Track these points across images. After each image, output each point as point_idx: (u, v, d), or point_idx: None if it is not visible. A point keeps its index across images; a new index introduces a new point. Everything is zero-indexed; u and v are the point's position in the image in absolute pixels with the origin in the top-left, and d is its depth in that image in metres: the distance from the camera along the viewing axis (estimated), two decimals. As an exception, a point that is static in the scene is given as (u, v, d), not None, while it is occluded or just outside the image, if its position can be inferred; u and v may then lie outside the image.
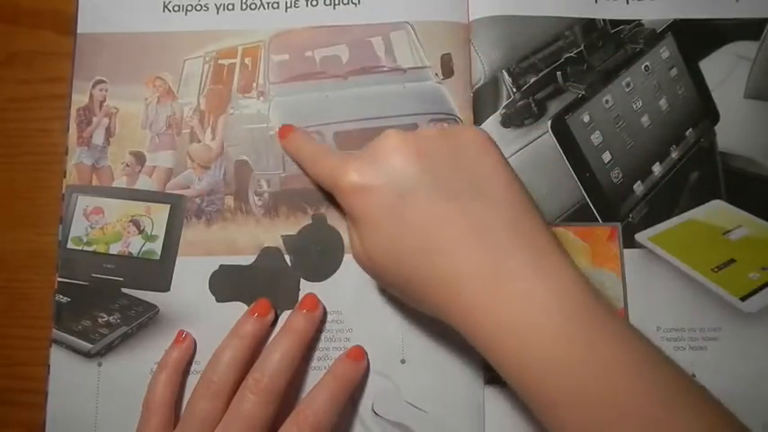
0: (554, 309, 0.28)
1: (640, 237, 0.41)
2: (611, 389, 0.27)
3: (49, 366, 0.39)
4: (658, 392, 0.27)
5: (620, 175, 0.42)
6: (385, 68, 0.43)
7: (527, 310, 0.28)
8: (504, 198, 0.31)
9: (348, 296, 0.40)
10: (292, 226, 0.41)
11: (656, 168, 0.42)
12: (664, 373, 0.28)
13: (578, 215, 0.41)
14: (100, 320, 0.39)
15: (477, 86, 0.42)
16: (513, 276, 0.29)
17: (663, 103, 0.43)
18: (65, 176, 0.41)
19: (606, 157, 0.42)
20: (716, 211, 0.41)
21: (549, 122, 0.42)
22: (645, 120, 0.43)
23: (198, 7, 0.44)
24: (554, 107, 0.42)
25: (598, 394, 0.27)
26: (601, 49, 0.43)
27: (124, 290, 0.40)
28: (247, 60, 0.43)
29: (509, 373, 0.29)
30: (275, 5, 0.44)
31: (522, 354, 0.28)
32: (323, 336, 0.39)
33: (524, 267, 0.29)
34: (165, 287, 0.40)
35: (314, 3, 0.44)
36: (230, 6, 0.44)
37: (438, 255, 0.30)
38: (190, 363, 0.39)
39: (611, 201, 0.41)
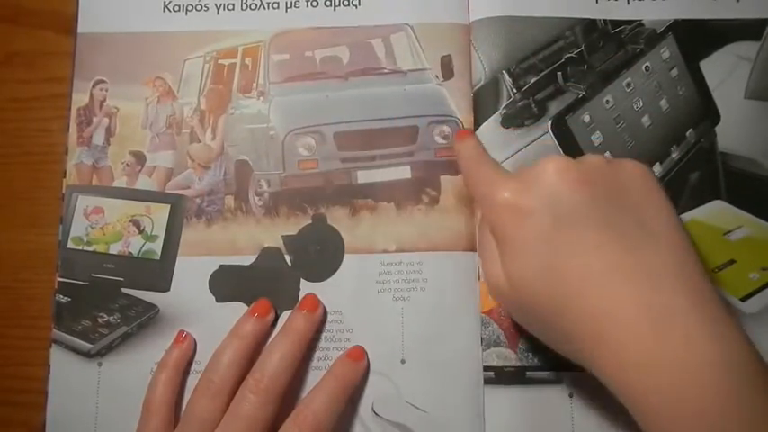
0: (723, 380, 0.25)
1: (641, 237, 0.40)
2: None
3: (49, 366, 0.39)
4: None
5: (621, 176, 0.42)
6: (385, 70, 0.43)
7: (692, 373, 0.26)
8: (671, 241, 0.29)
9: (348, 296, 0.40)
10: (292, 226, 0.41)
11: (657, 168, 0.42)
12: None
13: (578, 215, 0.41)
14: (100, 320, 0.39)
15: (477, 87, 0.42)
16: (679, 328, 0.26)
17: (663, 103, 0.43)
18: (65, 176, 0.41)
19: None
20: (716, 212, 0.41)
21: (550, 123, 0.42)
22: (645, 120, 0.43)
23: (198, 7, 0.44)
24: (554, 107, 0.42)
25: None
26: (601, 50, 0.43)
27: (124, 290, 0.40)
28: (247, 60, 0.43)
29: (659, 428, 0.26)
30: (275, 6, 0.44)
31: (673, 415, 0.26)
32: (323, 336, 0.39)
33: (693, 320, 0.26)
34: (165, 287, 0.40)
35: (314, 3, 0.44)
36: (230, 6, 0.44)
37: (597, 298, 0.28)
38: (190, 363, 0.39)
39: (611, 201, 0.41)
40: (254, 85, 0.43)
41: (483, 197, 0.33)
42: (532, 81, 0.42)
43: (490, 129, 0.42)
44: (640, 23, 0.43)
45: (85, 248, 0.40)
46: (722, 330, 0.27)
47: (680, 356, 0.26)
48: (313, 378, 0.38)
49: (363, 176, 0.41)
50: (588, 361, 0.29)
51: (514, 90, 0.42)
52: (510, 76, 0.42)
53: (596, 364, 0.28)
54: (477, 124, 0.42)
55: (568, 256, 0.29)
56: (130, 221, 0.41)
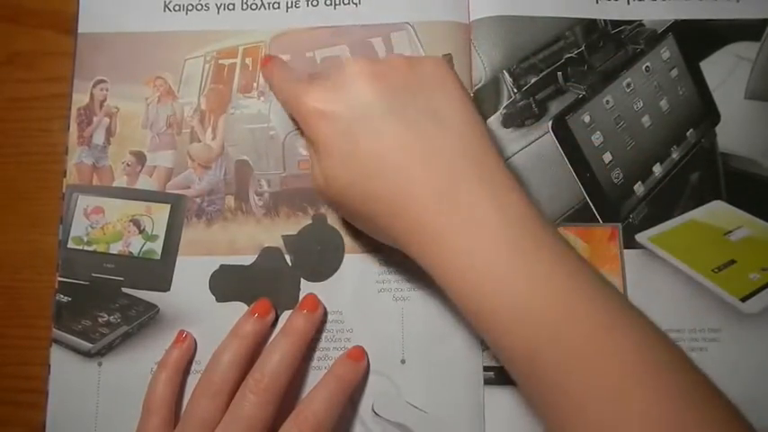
0: (503, 237, 0.29)
1: (641, 237, 0.41)
2: (554, 315, 0.28)
3: (49, 366, 0.39)
4: (598, 315, 0.28)
5: (621, 176, 0.42)
6: (385, 69, 0.43)
7: (478, 237, 0.29)
8: (459, 125, 0.32)
9: (348, 296, 0.40)
10: (293, 226, 0.41)
11: (657, 169, 0.42)
12: (604, 296, 0.29)
13: (579, 215, 0.41)
14: (100, 320, 0.39)
15: (477, 87, 0.42)
16: (464, 201, 0.30)
17: (663, 103, 0.43)
18: (65, 176, 0.41)
19: (607, 157, 0.42)
20: (716, 212, 0.41)
21: (550, 123, 0.42)
22: (645, 120, 0.43)
23: (198, 7, 0.43)
24: (555, 107, 0.42)
25: (541, 321, 0.28)
26: (601, 50, 0.43)
27: (124, 289, 0.40)
28: (248, 60, 0.43)
29: (456, 294, 0.30)
30: (276, 5, 0.44)
31: (470, 278, 0.29)
32: (323, 336, 0.39)
33: (476, 193, 0.30)
34: (166, 287, 0.40)
35: (314, 3, 0.44)
36: (231, 6, 0.44)
37: (392, 178, 0.31)
38: (190, 363, 0.39)
39: (611, 201, 0.41)
40: (255, 84, 0.43)
41: (296, 111, 0.35)
42: (533, 81, 0.42)
43: (490, 128, 0.42)
44: (640, 24, 0.43)
45: (86, 248, 0.40)
46: (503, 199, 0.30)
47: (466, 225, 0.29)
48: (313, 378, 0.38)
49: (363, 176, 0.41)
50: (399, 240, 0.32)
51: (515, 90, 0.42)
52: (510, 76, 0.42)
53: (402, 241, 0.31)
54: (477, 124, 0.42)
55: (365, 147, 0.32)
56: (131, 221, 0.41)
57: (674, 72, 0.44)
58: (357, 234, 0.40)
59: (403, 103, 0.32)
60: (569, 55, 0.43)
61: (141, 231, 0.41)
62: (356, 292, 0.40)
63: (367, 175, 0.32)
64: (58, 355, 0.39)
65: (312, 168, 0.35)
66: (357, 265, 0.40)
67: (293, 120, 0.41)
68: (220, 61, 0.43)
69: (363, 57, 0.34)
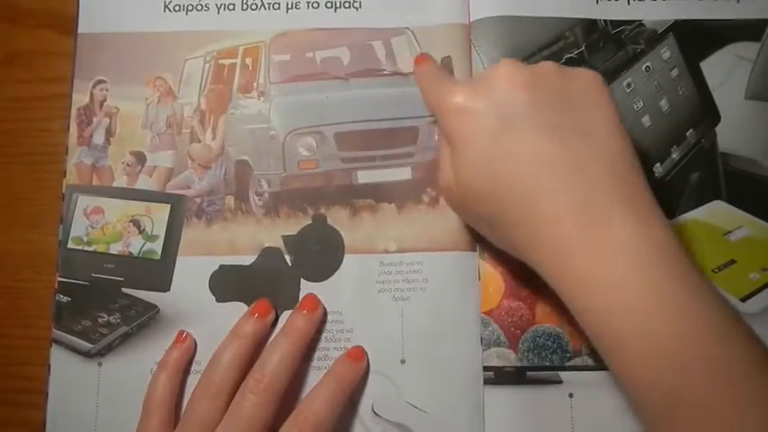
0: (637, 265, 0.28)
1: (641, 237, 0.40)
2: (686, 350, 0.27)
3: (49, 366, 0.39)
4: (729, 356, 0.26)
5: (621, 176, 0.42)
6: (386, 72, 0.43)
7: (612, 259, 0.28)
8: (607, 142, 0.31)
9: (348, 296, 0.40)
10: (293, 226, 0.41)
11: (657, 169, 0.42)
12: (739, 339, 0.27)
13: (579, 216, 0.41)
14: (100, 320, 0.39)
15: (477, 87, 0.42)
16: (603, 219, 0.29)
17: (664, 103, 0.43)
18: (65, 176, 0.41)
19: (607, 157, 0.42)
20: (716, 212, 0.41)
21: (550, 123, 0.42)
22: (646, 120, 0.43)
23: (198, 7, 0.44)
24: (555, 108, 0.42)
25: (671, 354, 0.27)
26: (602, 50, 0.43)
27: (124, 290, 0.40)
28: (248, 60, 0.43)
29: (581, 315, 0.29)
30: (276, 6, 0.44)
31: (595, 300, 0.28)
32: (323, 336, 0.39)
33: (616, 211, 0.29)
34: (166, 287, 0.40)
35: (315, 5, 0.44)
36: (231, 6, 0.44)
37: (529, 187, 0.30)
38: (190, 363, 0.39)
39: (611, 201, 0.41)
40: (255, 85, 0.43)
41: (437, 106, 0.35)
42: (533, 81, 0.42)
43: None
44: (641, 24, 0.43)
45: (86, 248, 0.40)
46: (644, 223, 0.29)
47: (602, 241, 0.28)
48: (313, 378, 0.38)
49: (364, 177, 0.41)
50: (525, 249, 0.31)
51: (515, 90, 0.42)
52: (510, 77, 0.42)
53: (529, 251, 0.31)
54: (477, 124, 0.42)
55: (507, 151, 0.31)
56: (130, 221, 0.41)
57: (675, 72, 0.44)
58: (357, 234, 0.40)
59: (553, 116, 0.31)
60: (569, 55, 0.43)
61: (141, 231, 0.41)
62: (356, 292, 0.40)
63: (501, 180, 0.31)
64: (58, 356, 0.39)
65: (442, 166, 0.35)
66: (357, 265, 0.40)
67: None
68: (220, 61, 0.43)
69: (515, 61, 0.33)
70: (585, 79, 0.33)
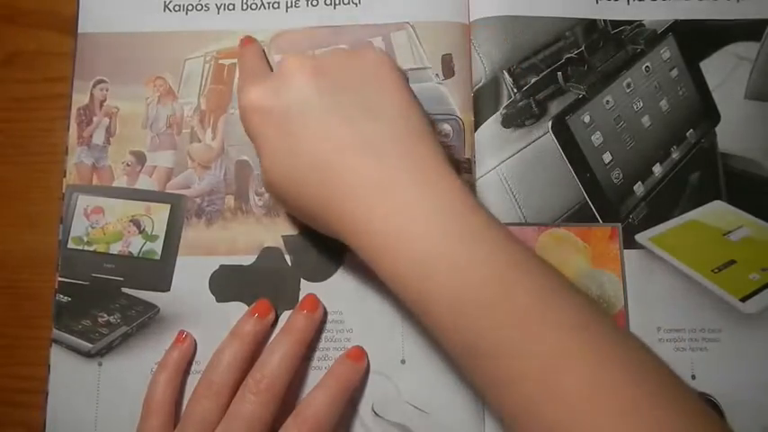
0: (433, 221, 0.29)
1: (641, 237, 0.41)
2: (487, 294, 0.28)
3: (49, 366, 0.39)
4: (535, 292, 0.28)
5: (621, 176, 0.42)
6: (385, 69, 0.43)
7: (410, 221, 0.30)
8: (394, 116, 0.32)
9: (348, 296, 0.40)
10: (293, 226, 0.41)
11: (657, 169, 0.42)
12: (538, 274, 0.29)
13: (578, 216, 0.41)
14: (100, 320, 0.39)
15: (477, 87, 0.42)
16: (397, 189, 0.30)
17: (663, 103, 0.43)
18: (65, 176, 0.41)
19: (607, 157, 0.42)
20: (716, 212, 0.41)
21: (550, 123, 0.42)
22: (645, 120, 0.43)
23: (198, 7, 0.43)
24: (555, 108, 0.42)
25: (475, 300, 0.28)
26: (601, 50, 0.43)
27: (124, 290, 0.40)
28: (248, 60, 0.43)
29: (389, 280, 0.30)
30: (276, 5, 0.44)
31: (405, 261, 0.30)
32: (323, 336, 0.39)
33: (405, 179, 0.30)
34: (166, 287, 0.40)
35: (314, 3, 0.44)
36: (231, 6, 0.44)
37: (327, 170, 0.31)
38: (190, 363, 0.39)
39: (611, 201, 0.41)
40: (255, 84, 0.43)
41: (239, 104, 0.36)
42: (533, 81, 0.42)
43: (490, 128, 0.42)
44: (641, 24, 0.43)
45: (86, 248, 0.40)
46: (435, 186, 0.30)
47: (397, 211, 0.30)
48: (313, 378, 0.38)
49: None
50: (333, 227, 0.32)
51: (515, 90, 0.42)
52: (510, 76, 0.42)
53: (337, 228, 0.32)
54: (477, 124, 0.42)
55: (300, 141, 0.32)
56: (130, 221, 0.41)
57: (674, 72, 0.44)
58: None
59: (339, 100, 0.32)
60: (569, 55, 0.43)
61: (141, 231, 0.41)
62: (356, 292, 0.40)
63: (302, 170, 0.32)
64: (58, 356, 0.39)
65: (261, 166, 0.36)
66: (357, 265, 0.40)
67: None
68: (220, 61, 0.43)
69: (304, 54, 0.35)
70: (372, 60, 0.34)
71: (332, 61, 0.34)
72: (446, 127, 0.42)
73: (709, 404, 0.38)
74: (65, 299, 0.40)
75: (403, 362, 0.39)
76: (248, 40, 0.42)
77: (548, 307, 0.28)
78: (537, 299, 0.28)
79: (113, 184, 0.41)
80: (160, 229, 0.41)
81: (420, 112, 0.33)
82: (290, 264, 0.40)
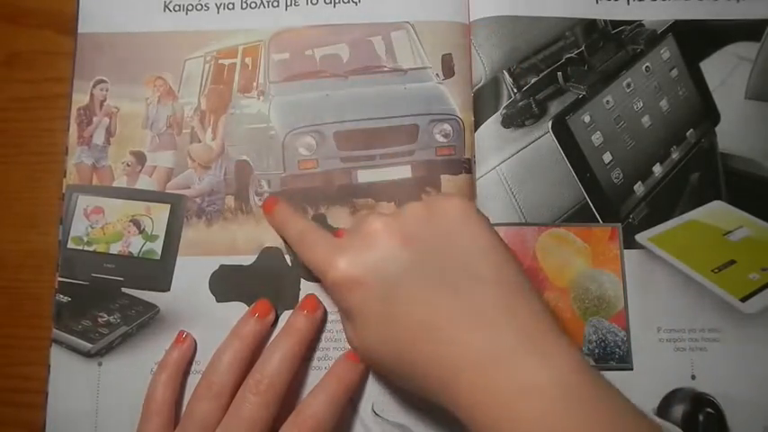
0: (549, 399, 0.27)
1: (641, 237, 0.41)
2: None
3: (49, 366, 0.39)
4: None
5: (621, 176, 0.42)
6: (386, 68, 0.43)
7: (522, 402, 0.27)
8: (495, 277, 0.31)
9: (348, 296, 0.40)
10: (293, 226, 0.41)
11: (657, 169, 0.42)
12: None
13: (579, 216, 0.41)
14: (100, 320, 0.39)
15: (477, 87, 0.42)
16: (508, 362, 0.28)
17: (663, 103, 0.43)
18: (65, 176, 0.41)
19: (607, 157, 0.42)
20: (716, 212, 0.41)
21: (550, 123, 0.42)
22: (645, 120, 0.43)
23: (198, 7, 0.43)
24: (555, 108, 0.42)
25: None
26: (601, 50, 0.43)
27: (124, 290, 0.40)
28: (248, 60, 0.43)
29: None
30: (275, 4, 0.44)
31: None
32: (323, 336, 0.39)
33: (521, 354, 0.28)
34: (166, 287, 0.40)
35: (314, 1, 0.44)
36: (230, 6, 0.44)
37: (433, 343, 0.30)
38: (190, 363, 0.39)
39: (611, 201, 0.41)
40: (255, 84, 0.43)
41: (322, 276, 0.35)
42: (533, 81, 0.42)
43: (490, 128, 0.42)
44: (641, 24, 0.43)
45: (86, 248, 0.40)
46: (549, 356, 0.28)
47: (508, 388, 0.27)
48: (313, 378, 0.38)
49: (364, 176, 0.41)
50: (438, 399, 0.30)
51: (515, 90, 0.42)
52: (510, 76, 0.42)
53: (443, 401, 0.30)
54: (477, 124, 0.42)
55: (399, 313, 0.31)
56: (131, 221, 0.41)
57: (674, 72, 0.44)
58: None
59: (436, 264, 0.31)
60: (569, 55, 0.43)
61: (141, 231, 0.41)
62: (356, 293, 0.40)
63: (408, 344, 0.31)
64: (57, 355, 0.39)
65: (346, 332, 0.36)
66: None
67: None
68: (220, 61, 0.43)
69: (381, 214, 0.34)
70: (454, 214, 0.33)
71: (415, 220, 0.33)
72: (446, 127, 0.42)
73: (710, 404, 0.38)
74: (65, 299, 0.40)
75: (403, 362, 0.39)
76: (272, 201, 0.40)
77: None
78: None
79: (113, 185, 0.41)
80: (160, 229, 0.41)
81: (516, 266, 0.32)
82: (290, 264, 0.40)
